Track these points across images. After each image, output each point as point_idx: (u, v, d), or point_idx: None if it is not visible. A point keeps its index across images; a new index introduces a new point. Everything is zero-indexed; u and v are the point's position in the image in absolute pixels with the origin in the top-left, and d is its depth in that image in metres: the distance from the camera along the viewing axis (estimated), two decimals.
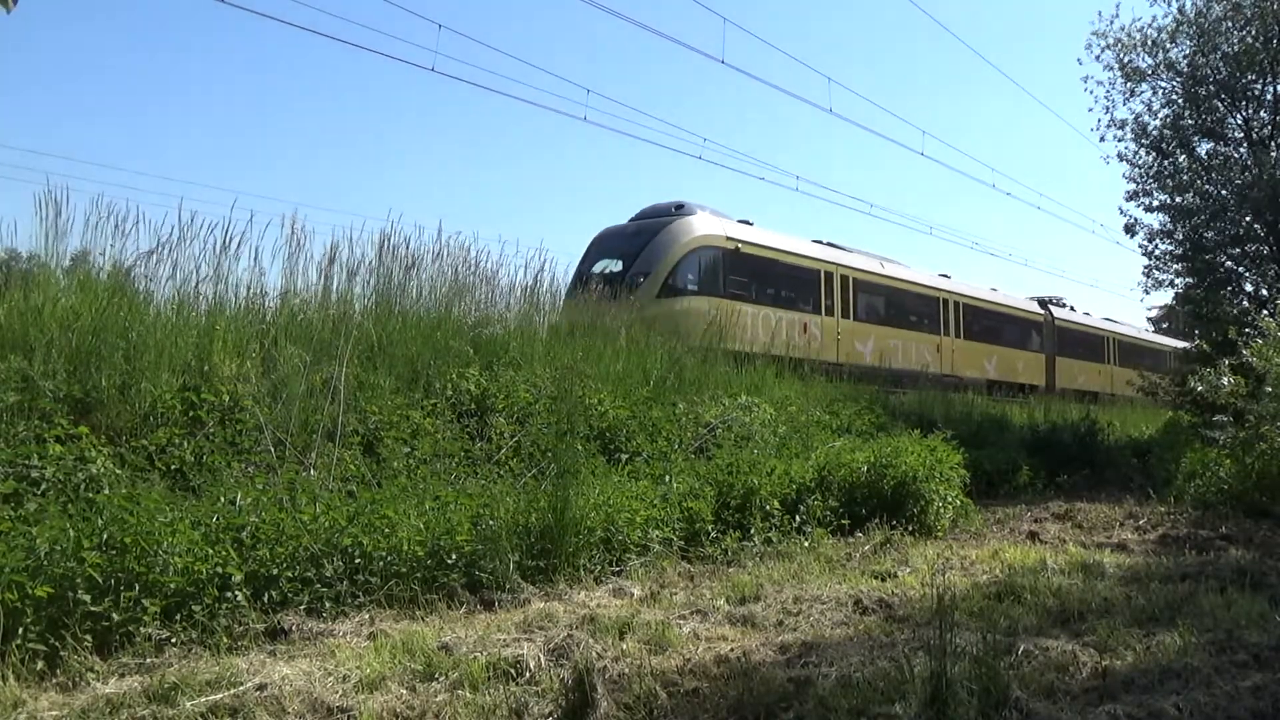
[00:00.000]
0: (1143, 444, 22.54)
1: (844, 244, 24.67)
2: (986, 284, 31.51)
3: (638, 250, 19.18)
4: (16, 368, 7.12)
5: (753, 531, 9.65)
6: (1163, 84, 22.23)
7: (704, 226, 19.85)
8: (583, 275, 17.99)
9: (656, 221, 19.93)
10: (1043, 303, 33.52)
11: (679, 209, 20.11)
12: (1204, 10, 21.24)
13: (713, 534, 9.33)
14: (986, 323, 29.24)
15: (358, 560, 6.59)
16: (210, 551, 5.88)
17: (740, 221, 21.43)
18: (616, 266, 19.03)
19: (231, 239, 10.59)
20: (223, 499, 6.63)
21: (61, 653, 5.07)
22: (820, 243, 24.08)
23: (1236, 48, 20.98)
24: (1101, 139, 23.26)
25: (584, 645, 5.48)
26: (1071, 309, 35.55)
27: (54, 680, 4.95)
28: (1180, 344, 42.01)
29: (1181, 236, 22.01)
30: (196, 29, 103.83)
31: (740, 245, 20.28)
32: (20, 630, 5.00)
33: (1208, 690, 4.85)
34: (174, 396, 7.83)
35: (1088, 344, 35.81)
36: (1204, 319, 22.09)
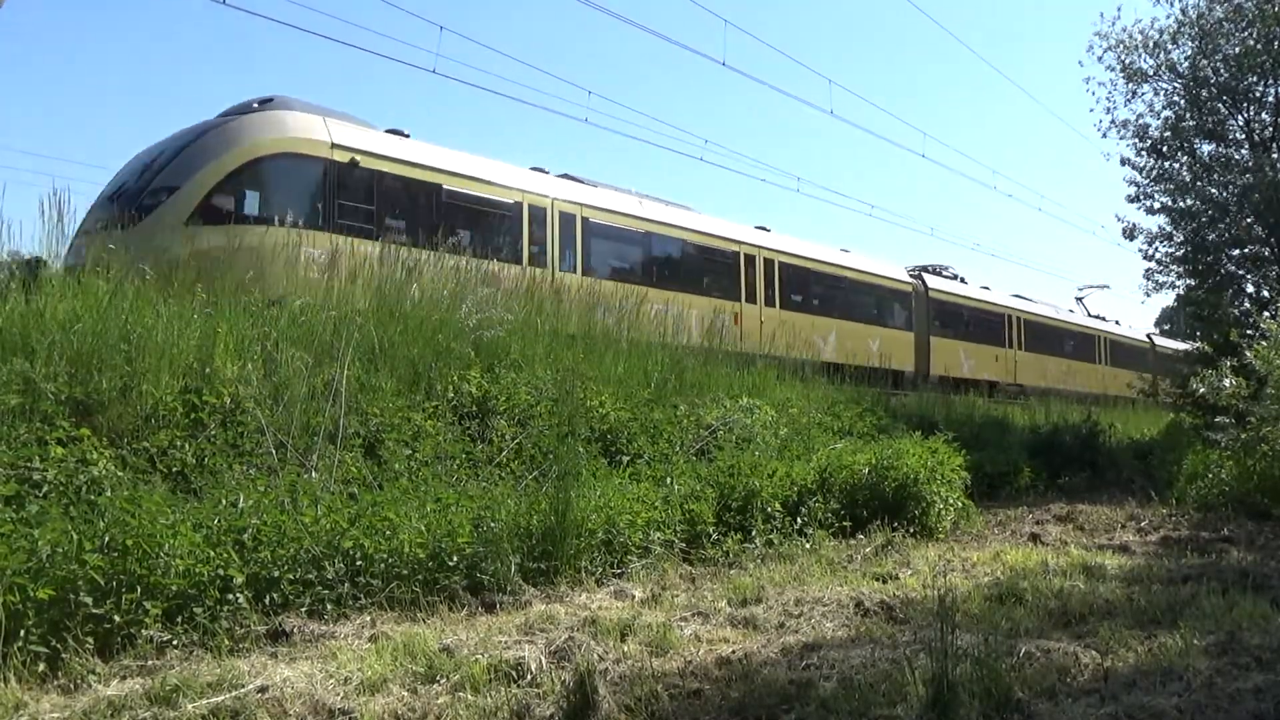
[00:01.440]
0: (1144, 446, 22.54)
1: (581, 175, 18.75)
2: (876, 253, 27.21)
3: (168, 161, 13.06)
4: (18, 370, 7.12)
5: (754, 533, 9.65)
6: (1164, 85, 22.23)
7: (292, 127, 13.60)
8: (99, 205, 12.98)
9: (212, 122, 13.75)
10: (917, 272, 27.99)
11: (263, 103, 14.00)
12: (1205, 12, 21.24)
13: (714, 536, 9.34)
14: (819, 289, 23.20)
15: (359, 562, 6.60)
16: (212, 553, 5.89)
17: (390, 131, 15.39)
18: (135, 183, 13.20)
19: None
20: (224, 501, 6.64)
21: (63, 655, 5.07)
22: (542, 172, 17.82)
23: (1238, 49, 20.97)
24: (1103, 135, 23.27)
25: (585, 647, 5.48)
26: (959, 280, 29.95)
27: (55, 682, 4.96)
28: (1121, 330, 38.92)
29: (1183, 238, 22.01)
30: (196, 28, 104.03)
31: (360, 158, 14.03)
32: (22, 632, 5.00)
33: (1209, 692, 4.85)
34: (175, 399, 7.83)
35: (980, 323, 29.62)
36: (1205, 321, 22.08)
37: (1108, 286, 29.91)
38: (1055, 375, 32.10)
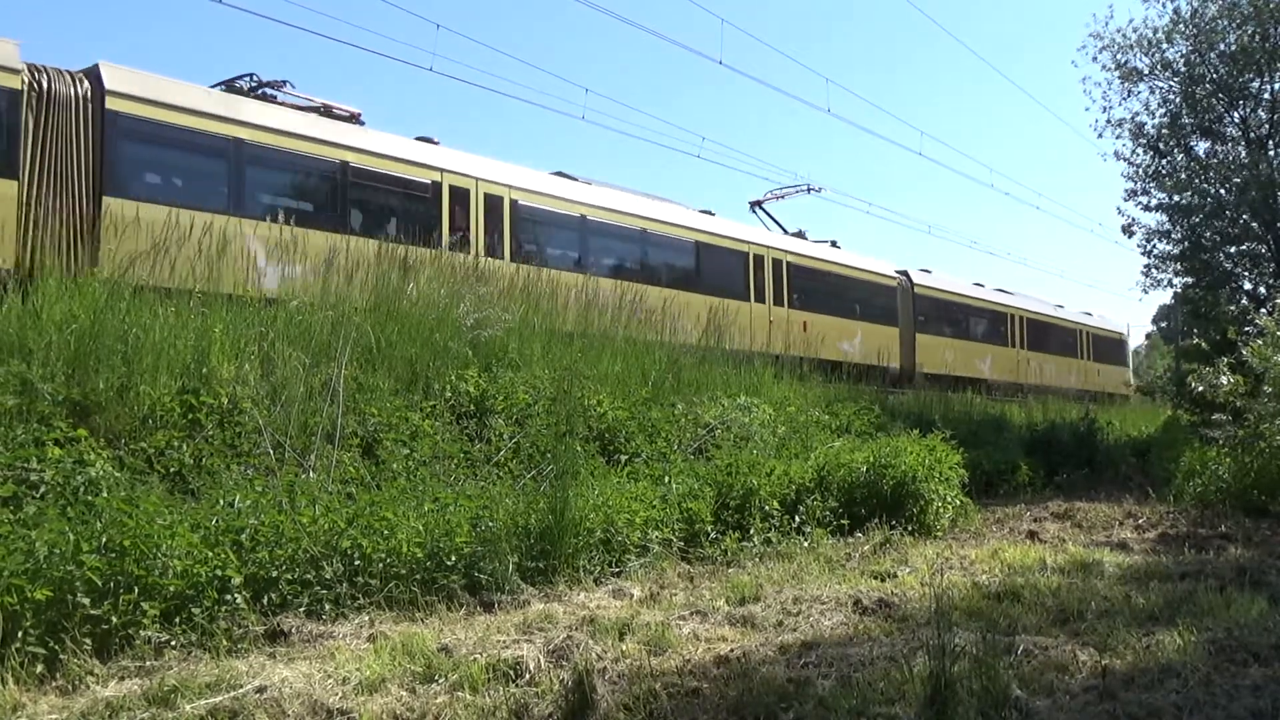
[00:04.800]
0: (1142, 443, 22.57)
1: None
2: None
3: None
4: (15, 371, 7.12)
5: (752, 532, 9.65)
6: (1160, 84, 22.27)
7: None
8: None
9: None
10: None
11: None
12: (1200, 10, 21.28)
13: (712, 535, 9.34)
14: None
15: (357, 562, 6.59)
16: (209, 554, 5.88)
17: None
18: None
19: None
20: (222, 501, 6.64)
21: (61, 656, 5.07)
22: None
23: (1233, 47, 21.01)
24: (1099, 136, 23.31)
25: (584, 646, 5.48)
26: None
27: (53, 683, 4.95)
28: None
29: (1180, 236, 22.03)
30: (194, 27, 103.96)
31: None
32: (20, 633, 5.00)
33: (1207, 689, 4.86)
34: (173, 399, 7.83)
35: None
36: (1202, 318, 22.13)
37: (821, 189, 25.62)
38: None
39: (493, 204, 16.17)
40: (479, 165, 16.37)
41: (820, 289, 23.50)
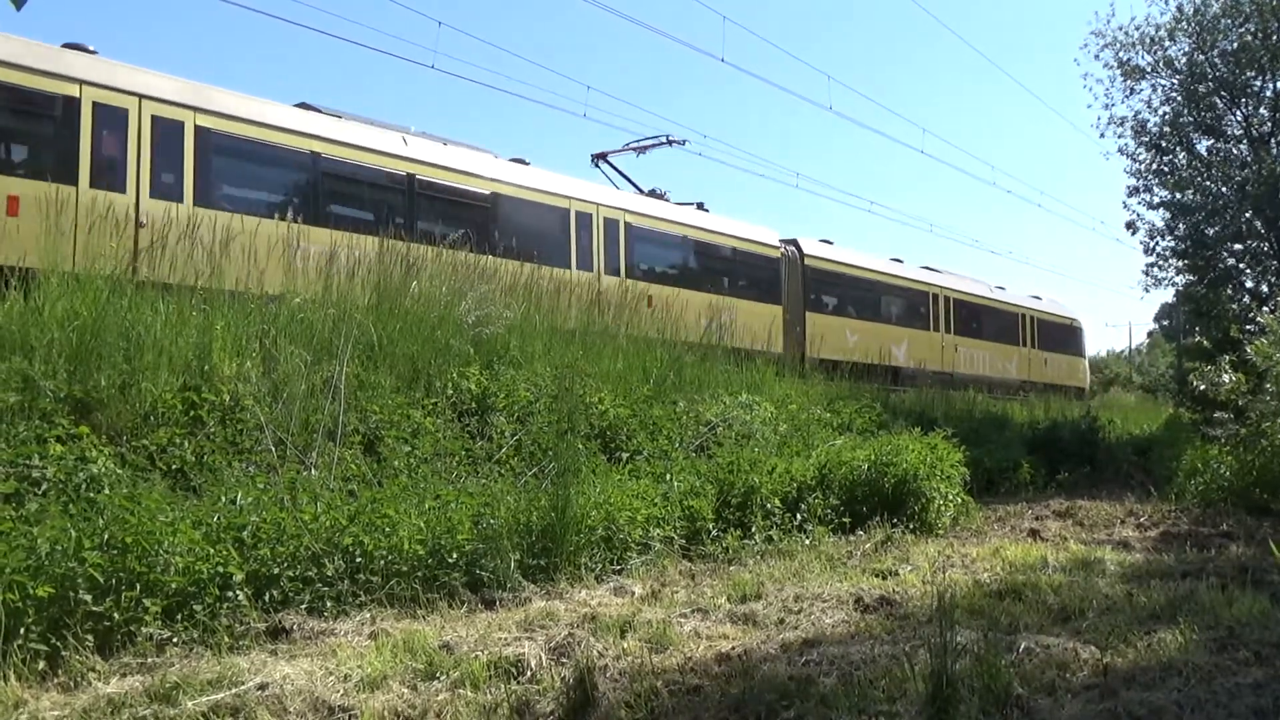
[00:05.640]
0: (1143, 441, 22.57)
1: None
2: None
3: None
4: (17, 368, 7.12)
5: (754, 530, 9.65)
6: (1162, 81, 22.29)
7: None
8: None
9: None
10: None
11: None
12: (1202, 8, 21.26)
13: (714, 532, 9.34)
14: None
15: (359, 559, 6.60)
16: (211, 551, 5.88)
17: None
18: None
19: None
20: (224, 498, 6.64)
21: (63, 653, 5.07)
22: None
23: (1235, 45, 21.01)
24: (1101, 135, 23.32)
25: (585, 644, 5.48)
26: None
27: (55, 680, 4.95)
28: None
29: (1182, 233, 22.03)
30: (193, 24, 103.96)
31: None
32: (22, 630, 5.00)
33: (1208, 687, 4.85)
34: (174, 396, 7.83)
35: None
36: (1204, 316, 22.12)
37: (684, 141, 22.08)
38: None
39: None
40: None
41: (672, 257, 20.18)
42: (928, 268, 28.62)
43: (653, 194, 21.09)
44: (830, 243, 24.83)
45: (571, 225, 17.77)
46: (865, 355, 22.28)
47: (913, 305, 27.12)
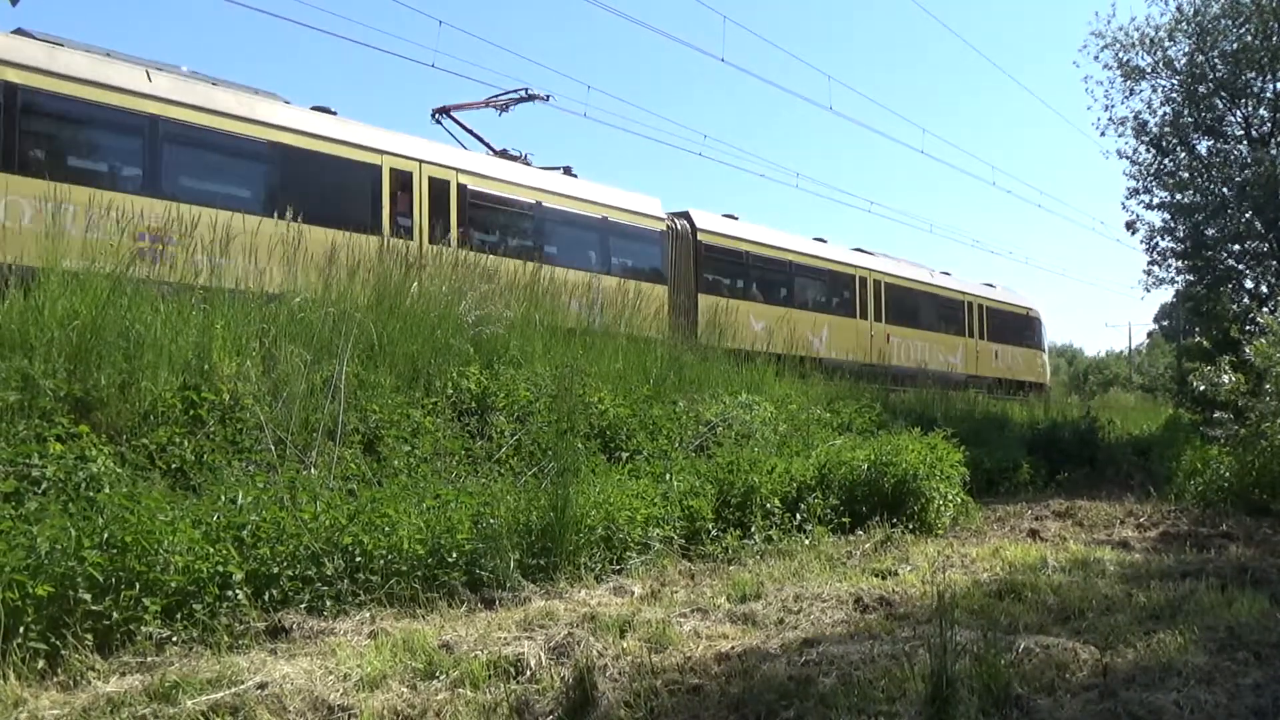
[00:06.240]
0: (1143, 442, 22.57)
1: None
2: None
3: None
4: (17, 367, 7.12)
5: (753, 530, 9.65)
6: (1162, 82, 22.32)
7: None
8: None
9: None
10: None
11: None
12: (1202, 8, 21.28)
13: (713, 532, 9.34)
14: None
15: (358, 559, 6.60)
16: (211, 550, 5.88)
17: None
18: None
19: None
20: (223, 498, 6.64)
21: (62, 651, 5.07)
22: None
23: (1235, 45, 21.03)
24: (1102, 134, 23.33)
25: (585, 643, 5.48)
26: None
27: (55, 679, 4.95)
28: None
29: (1182, 234, 22.05)
30: (193, 21, 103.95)
31: None
32: (21, 629, 5.00)
33: (1208, 687, 4.85)
34: (174, 395, 7.83)
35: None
36: (1204, 316, 22.14)
37: (548, 97, 19.57)
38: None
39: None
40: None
41: (522, 225, 17.36)
42: (859, 249, 26.05)
43: (505, 154, 18.28)
44: (735, 217, 22.14)
45: (384, 184, 14.98)
46: (774, 344, 19.12)
47: (835, 289, 24.43)
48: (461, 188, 16.05)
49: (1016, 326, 32.58)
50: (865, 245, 27.04)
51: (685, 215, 20.57)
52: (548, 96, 19.43)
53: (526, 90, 19.28)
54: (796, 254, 23.32)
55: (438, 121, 18.61)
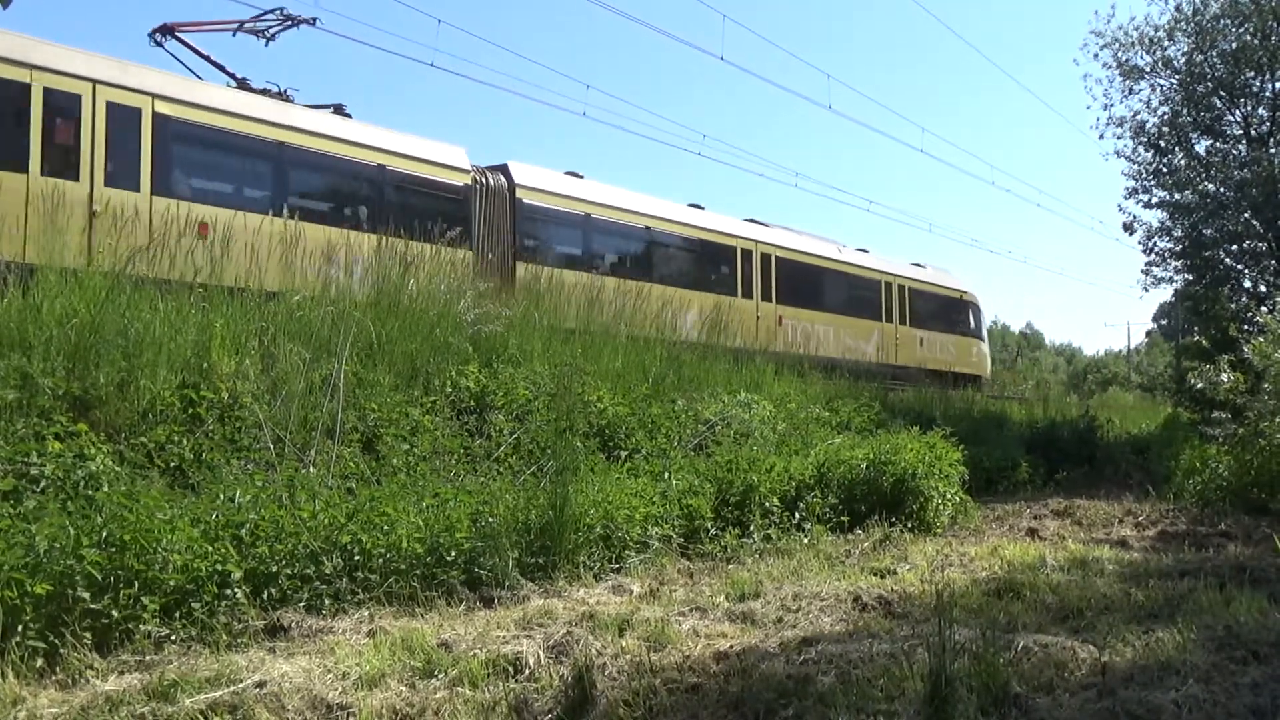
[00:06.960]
0: (1142, 441, 22.59)
1: None
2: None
3: None
4: (15, 365, 7.11)
5: (752, 528, 9.65)
6: (1161, 82, 22.33)
7: None
8: None
9: None
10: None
11: None
12: (1201, 8, 21.29)
13: (712, 531, 9.34)
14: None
15: (357, 557, 6.60)
16: (209, 549, 5.88)
17: None
18: None
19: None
20: (222, 496, 6.64)
21: (61, 650, 5.07)
22: None
23: (1234, 45, 21.03)
24: (1101, 136, 23.36)
25: (583, 642, 5.48)
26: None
27: (53, 677, 4.95)
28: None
29: (1180, 233, 22.06)
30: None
31: None
32: (20, 628, 5.00)
33: (1206, 686, 4.85)
34: (173, 394, 7.83)
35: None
36: (1203, 315, 22.15)
37: (315, 20, 15.45)
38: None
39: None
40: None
41: (259, 170, 14.03)
42: (753, 220, 22.81)
43: (244, 84, 14.69)
44: (580, 175, 18.86)
45: (35, 112, 11.49)
46: (626, 323, 15.13)
47: (712, 263, 21.10)
48: (162, 119, 12.55)
49: (947, 312, 28.95)
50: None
51: (503, 169, 17.20)
52: (314, 20, 15.73)
53: (283, 10, 15.54)
54: (658, 219, 19.87)
55: (158, 44, 14.61)
